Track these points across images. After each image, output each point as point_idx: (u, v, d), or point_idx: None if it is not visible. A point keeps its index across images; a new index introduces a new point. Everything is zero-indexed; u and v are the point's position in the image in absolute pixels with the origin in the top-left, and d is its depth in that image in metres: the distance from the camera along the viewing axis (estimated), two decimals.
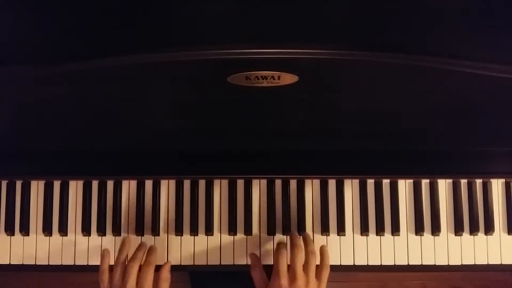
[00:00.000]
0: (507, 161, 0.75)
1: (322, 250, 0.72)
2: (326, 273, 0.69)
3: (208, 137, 0.73)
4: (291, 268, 0.66)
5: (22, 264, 0.79)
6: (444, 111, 0.69)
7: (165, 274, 0.72)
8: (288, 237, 0.75)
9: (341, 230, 0.77)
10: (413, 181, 0.78)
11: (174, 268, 0.76)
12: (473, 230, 0.77)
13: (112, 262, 0.73)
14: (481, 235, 0.77)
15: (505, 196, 0.78)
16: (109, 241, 0.78)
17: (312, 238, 0.75)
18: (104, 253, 0.73)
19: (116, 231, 0.77)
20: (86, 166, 0.76)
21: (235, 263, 0.77)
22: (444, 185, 0.78)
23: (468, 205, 0.78)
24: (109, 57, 0.59)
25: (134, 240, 0.77)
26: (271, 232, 0.77)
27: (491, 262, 0.77)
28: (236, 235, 0.77)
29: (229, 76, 0.60)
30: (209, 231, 0.77)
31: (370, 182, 0.78)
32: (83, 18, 0.64)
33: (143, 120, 0.71)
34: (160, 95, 0.67)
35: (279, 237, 0.77)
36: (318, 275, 0.68)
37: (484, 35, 0.63)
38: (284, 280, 0.65)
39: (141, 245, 0.74)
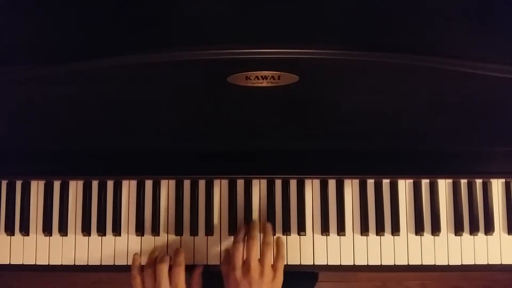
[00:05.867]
0: (507, 161, 0.75)
1: (278, 240, 0.74)
2: (281, 263, 0.71)
3: (208, 137, 0.73)
4: (246, 260, 0.69)
5: (22, 264, 0.79)
6: (444, 111, 0.69)
7: (198, 278, 0.74)
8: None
9: (341, 230, 0.77)
10: (413, 181, 0.78)
11: None
12: (473, 230, 0.77)
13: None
14: (481, 235, 0.77)
15: (505, 196, 0.78)
16: (109, 241, 0.78)
17: (272, 228, 0.76)
18: (135, 258, 0.74)
19: (116, 231, 0.77)
20: (86, 166, 0.76)
21: None
22: (444, 185, 0.78)
23: (468, 205, 0.78)
24: (109, 57, 0.59)
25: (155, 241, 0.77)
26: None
27: (491, 262, 0.77)
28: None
29: (229, 76, 0.60)
30: (209, 231, 0.77)
31: (370, 182, 0.78)
32: (83, 19, 0.64)
33: (143, 120, 0.71)
34: (160, 95, 0.67)
35: (278, 237, 0.77)
36: (273, 265, 0.70)
37: (484, 35, 0.63)
38: (238, 272, 0.68)
39: (164, 253, 0.75)
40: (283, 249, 0.74)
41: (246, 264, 0.69)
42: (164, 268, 0.70)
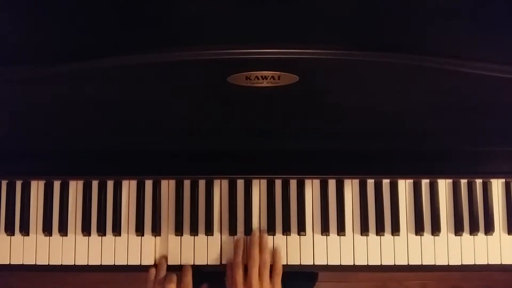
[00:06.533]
0: (507, 161, 0.75)
1: (275, 255, 0.76)
2: (278, 278, 0.74)
3: (208, 137, 0.73)
4: (247, 279, 0.72)
5: (22, 264, 0.79)
6: (444, 111, 0.69)
7: (188, 279, 0.74)
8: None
9: (341, 230, 0.77)
10: (413, 181, 0.78)
11: (174, 268, 0.76)
12: (473, 230, 0.77)
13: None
14: (481, 235, 0.77)
15: (505, 196, 0.78)
16: (109, 241, 0.78)
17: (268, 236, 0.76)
18: (150, 272, 0.75)
19: (116, 231, 0.77)
20: (86, 166, 0.76)
21: None
22: (444, 185, 0.78)
23: (468, 205, 0.78)
24: (109, 57, 0.59)
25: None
26: (271, 232, 0.77)
27: (491, 262, 0.77)
28: (236, 235, 0.77)
29: (229, 76, 0.60)
30: (209, 231, 0.77)
31: (370, 182, 0.78)
32: (83, 19, 0.64)
33: (142, 120, 0.71)
34: (160, 95, 0.67)
35: (279, 237, 0.77)
36: (271, 280, 0.73)
37: (484, 35, 0.63)
38: None
39: (170, 275, 0.75)
40: (280, 264, 0.75)
41: (248, 282, 0.72)
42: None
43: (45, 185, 0.79)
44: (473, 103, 0.67)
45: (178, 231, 0.77)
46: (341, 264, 0.77)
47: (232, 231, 0.77)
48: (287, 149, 0.74)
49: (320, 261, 0.76)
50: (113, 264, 0.78)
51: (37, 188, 0.79)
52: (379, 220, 0.77)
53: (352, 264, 0.77)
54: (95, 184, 0.79)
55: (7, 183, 0.80)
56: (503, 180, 0.78)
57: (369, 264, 0.77)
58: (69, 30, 0.63)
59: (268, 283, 0.72)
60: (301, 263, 0.77)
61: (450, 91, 0.65)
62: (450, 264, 0.77)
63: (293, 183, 0.78)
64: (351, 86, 0.65)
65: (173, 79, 0.64)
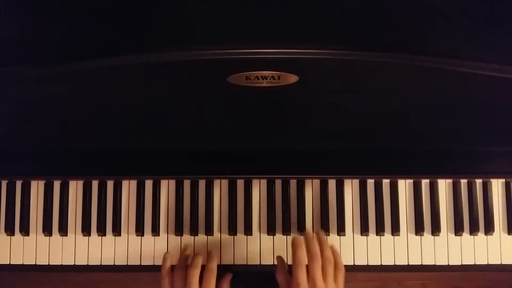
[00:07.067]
0: (507, 161, 0.75)
1: (334, 251, 0.69)
2: (342, 275, 0.67)
3: (208, 137, 0.73)
4: (310, 278, 0.64)
5: (22, 264, 0.79)
6: (444, 111, 0.69)
7: (226, 285, 0.72)
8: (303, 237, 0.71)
9: (341, 230, 0.77)
10: (413, 181, 0.78)
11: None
12: (473, 230, 0.77)
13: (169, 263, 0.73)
14: (481, 235, 0.77)
15: (505, 196, 0.78)
16: (109, 241, 0.78)
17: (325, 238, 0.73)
18: (165, 257, 0.72)
19: (116, 231, 0.77)
20: (86, 166, 0.76)
21: (235, 263, 0.77)
22: (444, 185, 0.78)
23: (468, 205, 0.78)
24: (109, 57, 0.59)
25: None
26: (271, 232, 0.77)
27: (491, 262, 0.77)
28: (236, 235, 0.77)
29: (229, 76, 0.60)
30: (209, 231, 0.77)
31: (370, 182, 0.78)
32: (83, 19, 0.64)
33: (142, 120, 0.71)
34: (160, 95, 0.67)
35: (279, 237, 0.77)
36: (334, 279, 0.66)
37: (484, 35, 0.63)
38: None
39: (197, 255, 0.72)
40: (340, 260, 0.69)
41: (311, 282, 0.64)
42: (196, 274, 0.67)
43: (45, 185, 0.79)
44: (473, 103, 0.67)
45: (178, 231, 0.77)
46: None
47: (232, 231, 0.77)
48: (287, 149, 0.74)
49: None
50: (113, 264, 0.78)
51: (37, 188, 0.79)
52: (379, 220, 0.77)
53: (352, 264, 0.77)
54: (95, 184, 0.79)
55: (7, 183, 0.80)
56: (503, 180, 0.78)
57: (369, 264, 0.77)
58: (69, 30, 0.63)
59: (333, 281, 0.65)
60: None
61: (450, 91, 0.65)
62: (450, 264, 0.77)
63: (293, 183, 0.78)
64: (351, 86, 0.65)
65: (173, 79, 0.64)
